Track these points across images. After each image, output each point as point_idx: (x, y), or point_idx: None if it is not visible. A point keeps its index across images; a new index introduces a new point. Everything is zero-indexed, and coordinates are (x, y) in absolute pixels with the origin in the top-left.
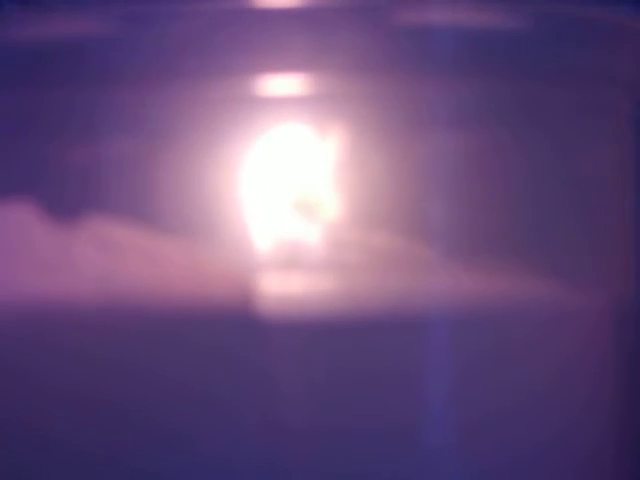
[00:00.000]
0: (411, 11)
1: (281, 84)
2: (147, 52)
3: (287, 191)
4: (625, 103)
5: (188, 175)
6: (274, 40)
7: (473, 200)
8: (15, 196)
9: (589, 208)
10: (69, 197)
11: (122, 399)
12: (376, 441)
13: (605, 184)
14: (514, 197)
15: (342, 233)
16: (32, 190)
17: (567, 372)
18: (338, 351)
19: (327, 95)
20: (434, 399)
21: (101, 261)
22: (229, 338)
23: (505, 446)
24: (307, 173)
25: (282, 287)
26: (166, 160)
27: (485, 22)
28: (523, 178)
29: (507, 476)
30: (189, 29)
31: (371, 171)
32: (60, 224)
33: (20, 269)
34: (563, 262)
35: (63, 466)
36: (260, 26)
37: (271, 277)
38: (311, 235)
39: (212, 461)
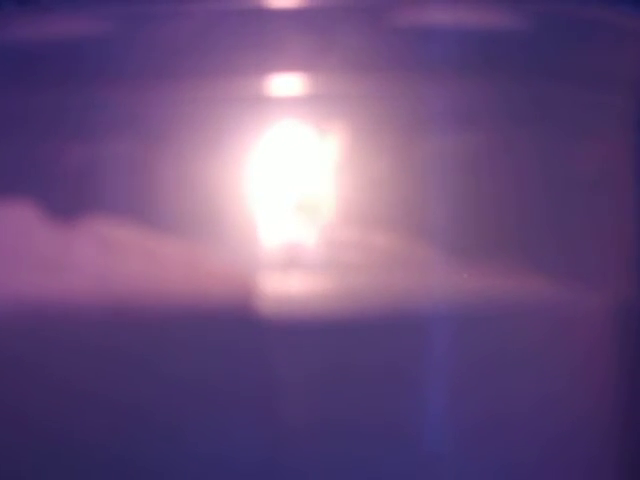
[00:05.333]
0: (411, 11)
1: (281, 84)
2: (146, 52)
3: (287, 191)
4: (625, 103)
5: (188, 175)
6: (274, 40)
7: (473, 200)
8: (14, 196)
9: (590, 208)
10: (69, 197)
11: (122, 398)
12: (376, 441)
13: (606, 184)
14: (514, 197)
15: (342, 233)
16: (32, 190)
17: (569, 373)
18: (338, 351)
19: (327, 95)
20: (435, 399)
21: (101, 261)
22: (229, 338)
23: (506, 447)
24: (307, 173)
25: (282, 287)
26: (166, 160)
27: (485, 22)
28: (523, 178)
29: (507, 477)
30: (189, 29)
31: (371, 171)
32: (60, 224)
33: (20, 269)
34: (565, 262)
35: (63, 465)
36: (260, 26)
37: (271, 277)
38: (311, 235)
39: (210, 462)
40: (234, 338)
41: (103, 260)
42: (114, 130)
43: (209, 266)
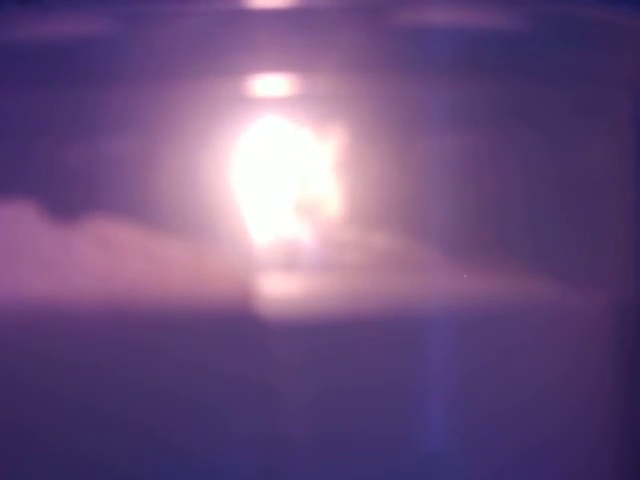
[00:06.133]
0: (411, 11)
1: (280, 84)
2: (147, 52)
3: (287, 192)
4: (625, 103)
5: (187, 175)
6: (273, 40)
7: (473, 200)
8: (15, 196)
9: (589, 208)
10: (69, 197)
11: (120, 397)
12: (375, 441)
13: (605, 184)
14: (514, 197)
15: (342, 233)
16: (31, 189)
17: (567, 373)
18: (337, 351)
19: (326, 95)
20: (434, 399)
21: (100, 261)
22: (228, 338)
23: (505, 446)
24: (307, 173)
25: (282, 287)
26: (166, 160)
27: (485, 22)
28: (523, 178)
29: (507, 477)
30: (188, 29)
31: (371, 171)
32: (60, 224)
33: (20, 268)
34: (563, 262)
35: (61, 465)
36: (259, 26)
37: (271, 277)
38: (311, 235)
39: (209, 463)
40: (233, 338)
41: (103, 260)
42: (114, 130)
43: (209, 266)
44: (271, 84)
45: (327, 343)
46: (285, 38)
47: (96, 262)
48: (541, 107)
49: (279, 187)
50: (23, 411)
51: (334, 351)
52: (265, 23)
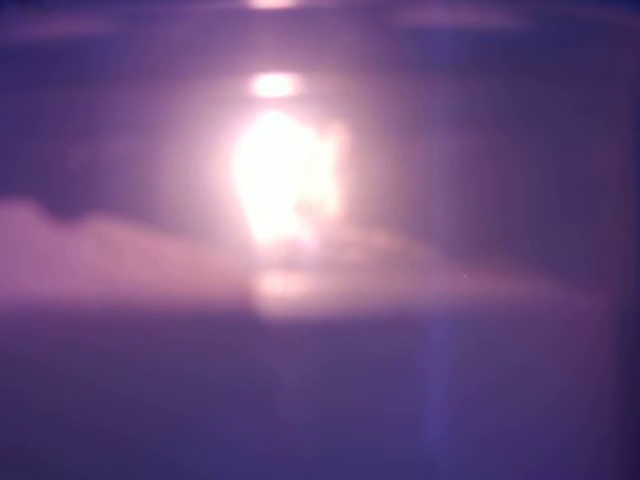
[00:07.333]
0: (412, 10)
1: (280, 84)
2: (147, 52)
3: (287, 191)
4: (625, 103)
5: (188, 175)
6: (274, 40)
7: (473, 200)
8: (15, 196)
9: (589, 208)
10: (69, 197)
11: (120, 398)
12: (375, 443)
13: (605, 184)
14: (514, 197)
15: (342, 233)
16: (32, 190)
17: (568, 373)
18: (338, 351)
19: (328, 95)
20: (434, 399)
21: (101, 261)
22: (229, 338)
23: (505, 447)
24: (307, 173)
25: (282, 287)
26: (166, 160)
27: (486, 22)
28: (523, 178)
29: (507, 477)
30: (190, 29)
31: (372, 171)
32: (60, 224)
33: (20, 269)
34: (563, 263)
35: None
36: (259, 26)
37: (271, 277)
38: (311, 235)
39: (209, 462)
40: (233, 338)
41: (103, 260)
42: (114, 130)
43: (209, 266)
44: (272, 84)
45: (327, 343)
46: (286, 38)
47: (95, 262)
48: (542, 107)
49: (280, 187)
50: (21, 411)
51: (334, 351)
52: (266, 23)
